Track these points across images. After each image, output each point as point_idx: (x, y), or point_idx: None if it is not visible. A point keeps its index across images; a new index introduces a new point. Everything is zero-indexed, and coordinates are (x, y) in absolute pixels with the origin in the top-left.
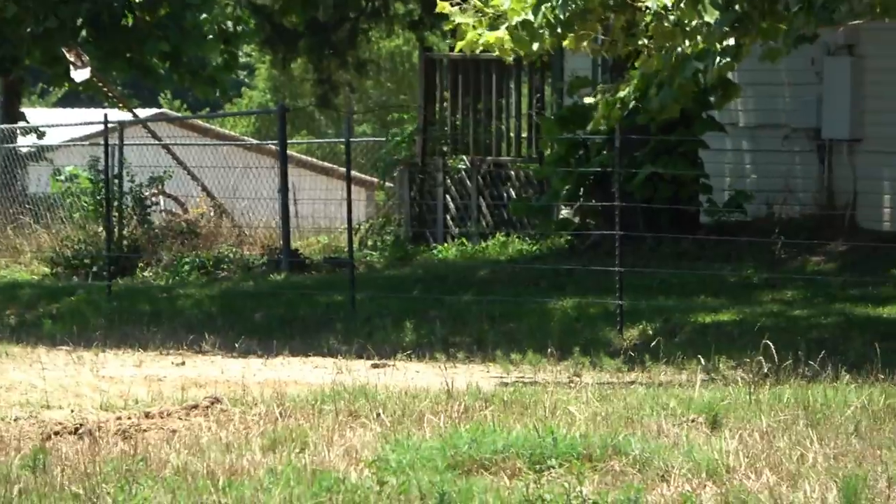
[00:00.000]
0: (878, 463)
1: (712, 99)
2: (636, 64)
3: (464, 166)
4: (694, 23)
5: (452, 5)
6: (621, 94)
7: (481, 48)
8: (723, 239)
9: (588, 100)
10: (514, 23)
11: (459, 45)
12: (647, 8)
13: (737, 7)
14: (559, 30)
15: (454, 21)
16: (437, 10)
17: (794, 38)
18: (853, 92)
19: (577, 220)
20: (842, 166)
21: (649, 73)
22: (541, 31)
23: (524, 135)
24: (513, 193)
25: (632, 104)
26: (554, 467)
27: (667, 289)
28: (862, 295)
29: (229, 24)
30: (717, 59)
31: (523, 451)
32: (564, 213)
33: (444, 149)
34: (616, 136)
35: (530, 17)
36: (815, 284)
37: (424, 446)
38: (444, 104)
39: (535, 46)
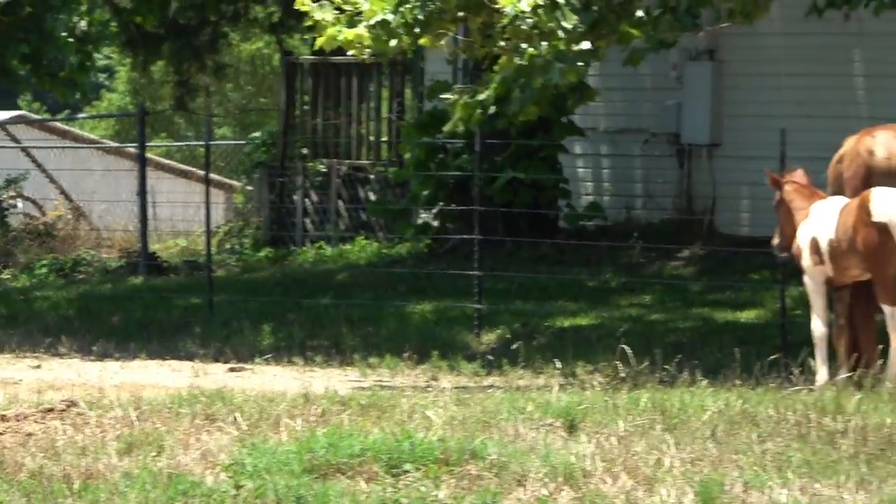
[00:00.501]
0: (735, 468)
1: (569, 102)
2: (495, 68)
3: (324, 170)
4: (551, 24)
5: (313, 1)
6: (481, 97)
7: (340, 45)
8: (582, 243)
9: (446, 96)
10: (371, 22)
11: (319, 41)
12: (504, 12)
13: (594, 9)
14: (417, 30)
15: (313, 18)
16: (297, 5)
17: (655, 42)
18: (713, 97)
19: (436, 223)
20: (701, 171)
21: (509, 77)
22: (398, 31)
23: (384, 139)
24: (372, 197)
25: (492, 108)
26: (411, 471)
27: (525, 293)
28: (720, 300)
29: (83, 23)
30: (573, 60)
31: (380, 455)
32: (424, 216)
33: (304, 152)
34: (476, 140)
35: (389, 17)
36: (674, 289)
37: (281, 450)
38: (305, 108)
39: (393, 43)
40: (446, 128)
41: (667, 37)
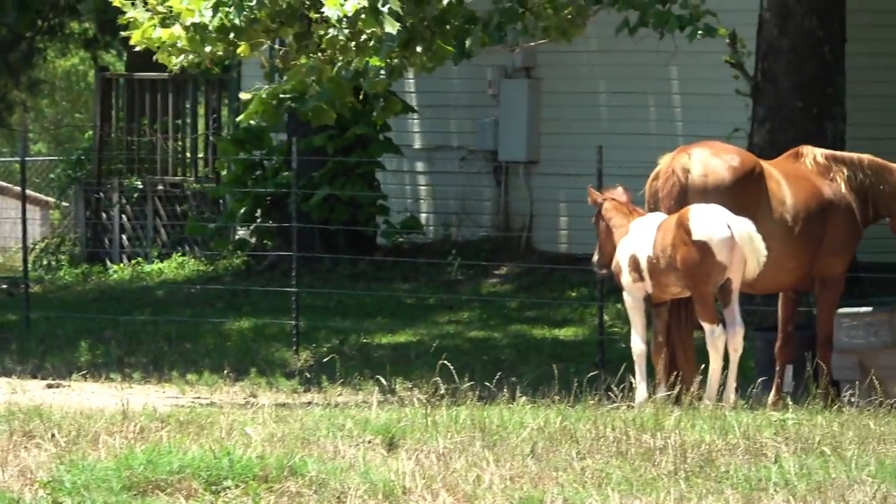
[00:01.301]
0: (555, 484)
1: (374, 114)
2: (294, 63)
3: (140, 186)
4: (367, 34)
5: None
6: (276, 90)
7: (154, 46)
8: (400, 260)
9: (244, 96)
10: (188, 23)
11: (133, 39)
12: (324, 19)
13: (407, 24)
14: (232, 35)
15: (126, 17)
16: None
17: (458, 56)
18: (530, 114)
19: (253, 240)
20: (518, 188)
21: (306, 74)
22: (213, 36)
23: (201, 155)
24: (190, 214)
25: (287, 103)
26: (230, 488)
27: (344, 310)
28: (538, 317)
29: None
30: (380, 71)
31: (199, 472)
32: (241, 233)
33: (121, 168)
34: (293, 156)
35: (206, 18)
36: (492, 306)
37: (100, 467)
38: (121, 123)
39: (208, 49)
40: (240, 119)
41: (474, 49)
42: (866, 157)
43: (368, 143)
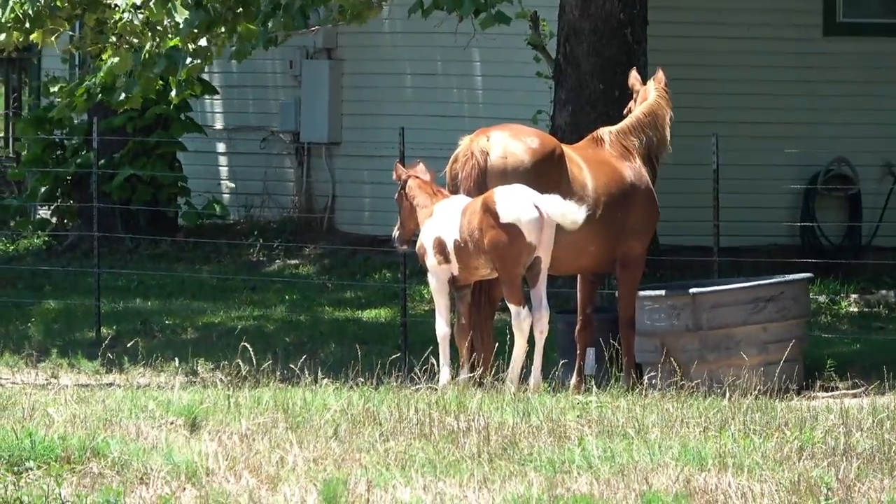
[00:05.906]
0: (358, 466)
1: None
2: (103, 57)
3: None
4: (165, 22)
5: None
6: (87, 83)
7: None
8: (201, 241)
9: (52, 88)
10: None
11: None
12: (116, 6)
13: (209, 7)
14: (27, 25)
15: None
16: None
17: (264, 39)
18: (331, 95)
19: (54, 220)
20: (320, 170)
21: (115, 67)
22: (8, 25)
23: (1, 135)
24: None
25: (99, 96)
26: (32, 469)
27: (145, 290)
28: (342, 299)
29: None
30: (189, 60)
31: (1, 453)
32: (42, 213)
33: None
34: (94, 137)
35: None
36: (295, 287)
37: None
38: None
39: (2, 37)
40: (52, 114)
41: (278, 34)
42: (639, 112)
43: (169, 124)
